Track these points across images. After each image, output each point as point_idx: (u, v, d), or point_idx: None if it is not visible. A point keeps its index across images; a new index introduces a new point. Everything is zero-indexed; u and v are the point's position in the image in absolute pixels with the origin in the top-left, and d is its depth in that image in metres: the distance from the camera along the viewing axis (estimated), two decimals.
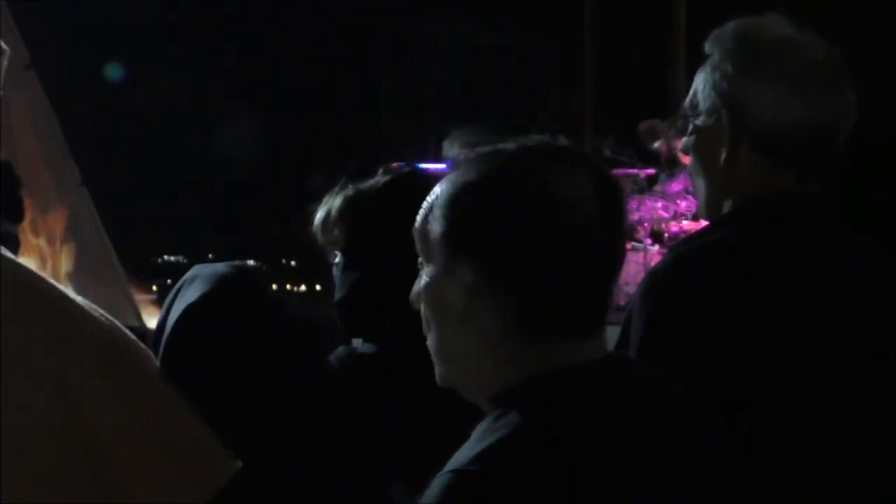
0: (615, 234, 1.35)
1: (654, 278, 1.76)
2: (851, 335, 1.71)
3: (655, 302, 1.70)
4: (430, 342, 1.39)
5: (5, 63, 1.55)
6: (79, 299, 1.57)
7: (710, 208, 1.84)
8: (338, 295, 1.93)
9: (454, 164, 1.40)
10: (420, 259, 1.39)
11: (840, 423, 1.67)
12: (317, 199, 1.99)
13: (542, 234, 1.29)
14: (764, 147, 1.75)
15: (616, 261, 1.36)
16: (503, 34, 12.06)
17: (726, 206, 1.81)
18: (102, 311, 1.58)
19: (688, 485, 1.28)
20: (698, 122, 1.80)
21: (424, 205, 1.38)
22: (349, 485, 1.71)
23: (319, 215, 1.98)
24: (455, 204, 1.33)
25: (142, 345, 1.59)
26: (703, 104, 1.80)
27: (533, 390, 1.29)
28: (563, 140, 1.37)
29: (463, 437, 1.68)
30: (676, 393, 1.39)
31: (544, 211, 1.29)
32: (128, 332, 1.59)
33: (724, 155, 1.78)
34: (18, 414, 1.38)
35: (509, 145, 1.36)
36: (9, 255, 1.55)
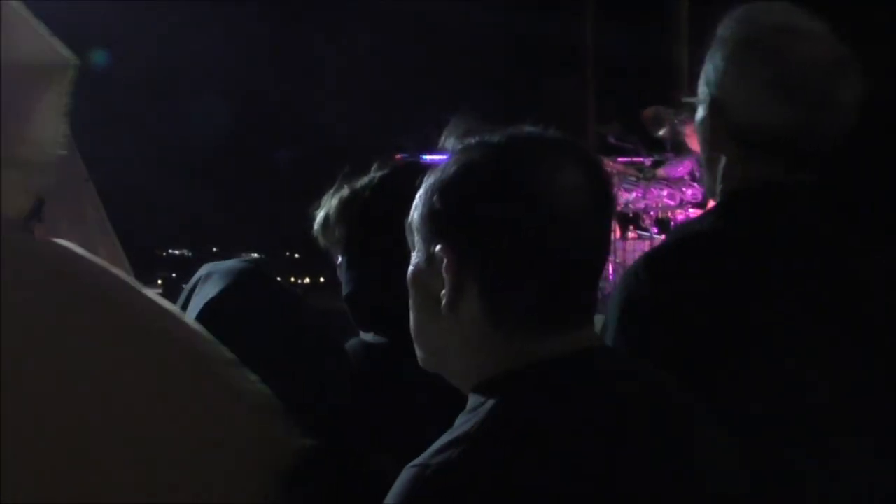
0: (603, 224, 1.33)
1: (653, 262, 1.77)
2: (815, 320, 1.69)
3: (650, 286, 1.71)
4: (411, 328, 1.40)
5: (72, 75, 1.58)
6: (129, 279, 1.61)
7: (710, 193, 1.87)
8: (345, 290, 1.94)
9: (450, 155, 1.39)
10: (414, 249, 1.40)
11: (823, 416, 1.66)
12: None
13: (524, 223, 1.27)
14: (743, 140, 1.76)
15: (603, 251, 1.34)
16: (505, 18, 12.04)
17: (719, 192, 1.82)
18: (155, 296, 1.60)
19: (659, 477, 1.26)
20: (698, 109, 1.82)
21: (416, 197, 1.39)
22: (365, 471, 1.71)
23: (318, 218, 1.98)
24: (435, 192, 1.33)
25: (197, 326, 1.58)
26: (699, 92, 1.82)
27: (507, 383, 1.27)
28: (553, 130, 1.36)
29: None
30: (660, 383, 1.37)
31: (526, 199, 1.28)
32: (176, 310, 1.60)
33: (709, 144, 1.80)
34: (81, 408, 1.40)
35: (496, 135, 1.35)
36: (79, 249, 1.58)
